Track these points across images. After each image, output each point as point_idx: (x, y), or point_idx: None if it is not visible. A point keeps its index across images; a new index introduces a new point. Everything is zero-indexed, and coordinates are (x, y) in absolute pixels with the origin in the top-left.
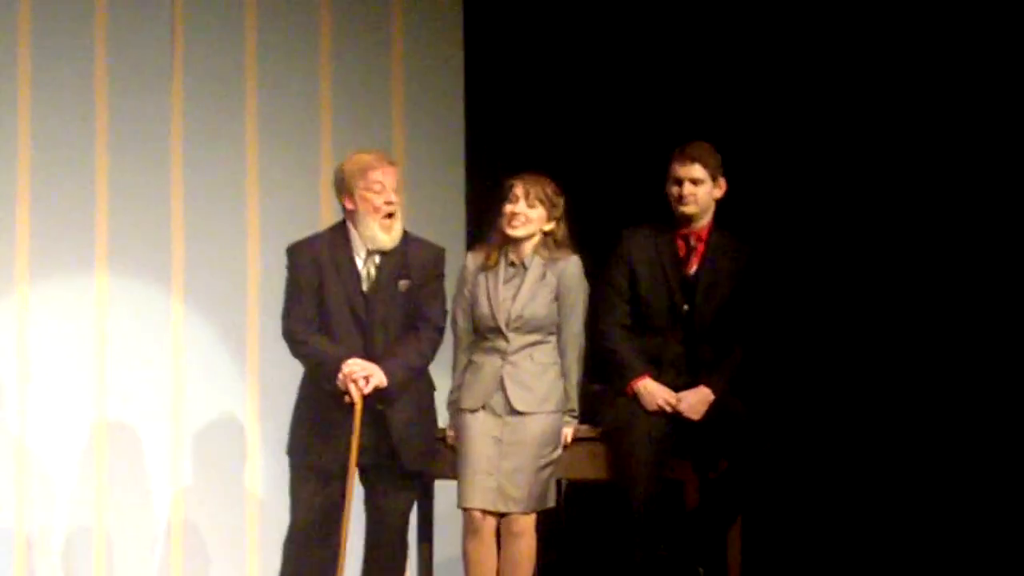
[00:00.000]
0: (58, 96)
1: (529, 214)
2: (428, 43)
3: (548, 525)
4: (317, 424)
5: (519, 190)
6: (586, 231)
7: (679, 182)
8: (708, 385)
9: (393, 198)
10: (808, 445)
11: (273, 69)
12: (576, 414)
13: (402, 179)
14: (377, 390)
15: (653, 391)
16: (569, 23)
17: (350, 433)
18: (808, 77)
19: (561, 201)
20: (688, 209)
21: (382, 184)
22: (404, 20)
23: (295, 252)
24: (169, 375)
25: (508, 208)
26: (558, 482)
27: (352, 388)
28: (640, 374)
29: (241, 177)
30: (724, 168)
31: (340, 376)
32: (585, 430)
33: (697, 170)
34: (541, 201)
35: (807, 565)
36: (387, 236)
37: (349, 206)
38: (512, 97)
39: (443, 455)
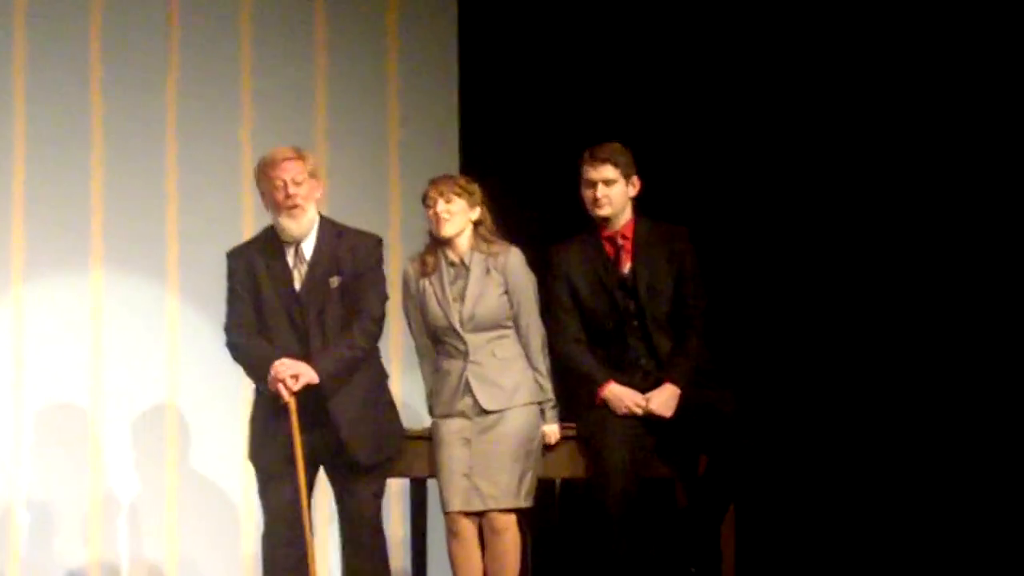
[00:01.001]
0: (53, 96)
1: (451, 209)
2: (423, 43)
3: (542, 525)
4: (262, 429)
5: (433, 193)
6: (579, 228)
7: (592, 185)
8: (671, 380)
9: (293, 190)
10: (802, 443)
11: (268, 68)
12: (554, 404)
13: (396, 182)
14: (310, 387)
15: (620, 395)
16: (564, 23)
17: (289, 433)
18: (804, 77)
19: (476, 187)
20: (603, 211)
21: (282, 180)
22: (399, 20)
23: (231, 258)
24: (164, 374)
25: (429, 213)
26: (552, 481)
27: (281, 388)
28: (604, 381)
29: (236, 176)
30: (651, 166)
31: (269, 378)
32: (579, 429)
33: (608, 171)
34: (457, 194)
35: (801, 564)
36: (294, 224)
37: (264, 204)
38: (506, 96)
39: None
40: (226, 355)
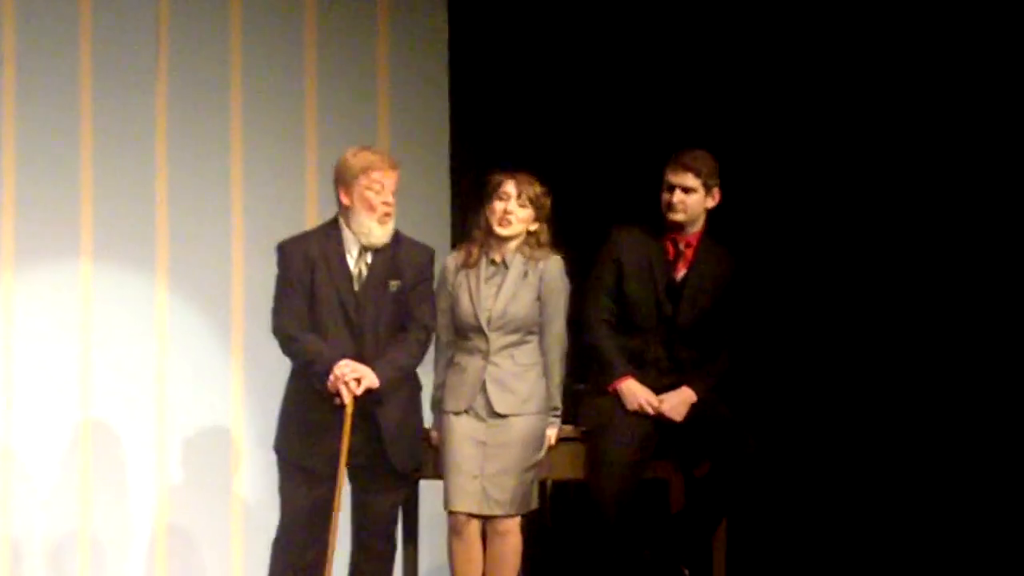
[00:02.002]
0: (43, 96)
1: (519, 213)
2: (413, 43)
3: (535, 526)
4: (305, 423)
5: (511, 188)
6: (570, 230)
7: (671, 189)
8: (691, 386)
9: (391, 200)
10: (794, 448)
11: (258, 67)
12: (559, 413)
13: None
14: (368, 391)
15: (635, 391)
16: (555, 21)
17: (339, 435)
18: (803, 78)
19: (548, 203)
20: (676, 217)
21: (382, 184)
22: (389, 20)
23: (286, 249)
24: (153, 373)
25: (499, 205)
26: (543, 483)
27: (343, 390)
28: (623, 374)
29: (226, 175)
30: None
31: (331, 378)
32: (569, 430)
33: (689, 179)
34: (531, 200)
35: (793, 567)
36: (382, 231)
37: (345, 200)
38: (498, 96)
39: (428, 456)
40: (214, 354)
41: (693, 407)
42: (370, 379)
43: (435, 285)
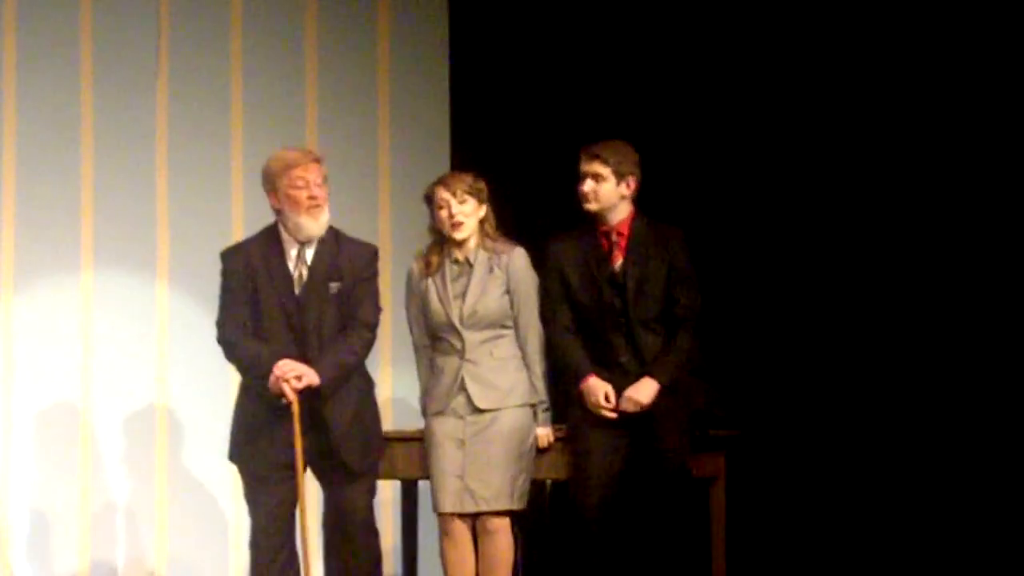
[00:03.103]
0: (43, 96)
1: (464, 211)
2: (413, 43)
3: (532, 525)
4: (253, 429)
5: (444, 194)
6: (570, 227)
7: (582, 178)
8: (652, 375)
9: (316, 192)
10: (794, 448)
11: (259, 69)
12: (547, 407)
13: (387, 182)
14: (310, 388)
15: (593, 388)
16: (555, 22)
17: (288, 435)
18: (800, 75)
19: (483, 185)
20: (589, 206)
21: (304, 180)
22: (390, 20)
23: (227, 257)
24: (153, 373)
25: (443, 214)
26: (543, 483)
27: (285, 387)
28: (585, 374)
29: (226, 176)
30: (645, 164)
31: (272, 377)
32: (567, 429)
33: (597, 166)
34: (468, 193)
35: (792, 568)
36: (314, 223)
37: (274, 204)
38: (498, 97)
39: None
40: (216, 353)
41: (658, 408)
42: (310, 376)
43: (404, 296)
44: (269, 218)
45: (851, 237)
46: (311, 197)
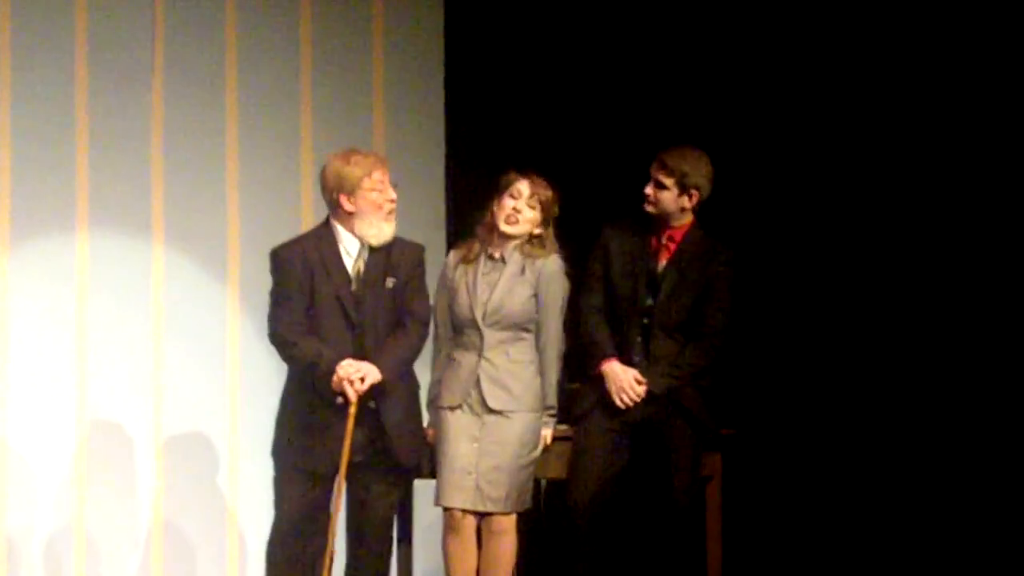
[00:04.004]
0: (38, 95)
1: (527, 213)
2: (409, 41)
3: (529, 524)
4: (306, 425)
5: (524, 187)
6: (567, 228)
7: (649, 181)
8: (649, 380)
9: (393, 195)
10: (789, 450)
11: (254, 66)
12: (554, 412)
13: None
14: (372, 386)
15: (618, 373)
16: (550, 20)
17: (341, 434)
18: (799, 78)
19: (555, 209)
20: (648, 208)
21: (383, 183)
22: (385, 19)
23: (282, 255)
24: (149, 371)
25: (509, 203)
26: (537, 481)
27: (348, 389)
28: (607, 356)
29: (221, 175)
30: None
31: (335, 379)
32: (563, 430)
33: (662, 175)
34: (541, 203)
35: (791, 568)
36: (390, 228)
37: (349, 207)
38: (493, 96)
39: (428, 452)
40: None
41: (656, 419)
42: (373, 375)
43: (431, 281)
44: (264, 213)
45: (847, 236)
46: (391, 200)
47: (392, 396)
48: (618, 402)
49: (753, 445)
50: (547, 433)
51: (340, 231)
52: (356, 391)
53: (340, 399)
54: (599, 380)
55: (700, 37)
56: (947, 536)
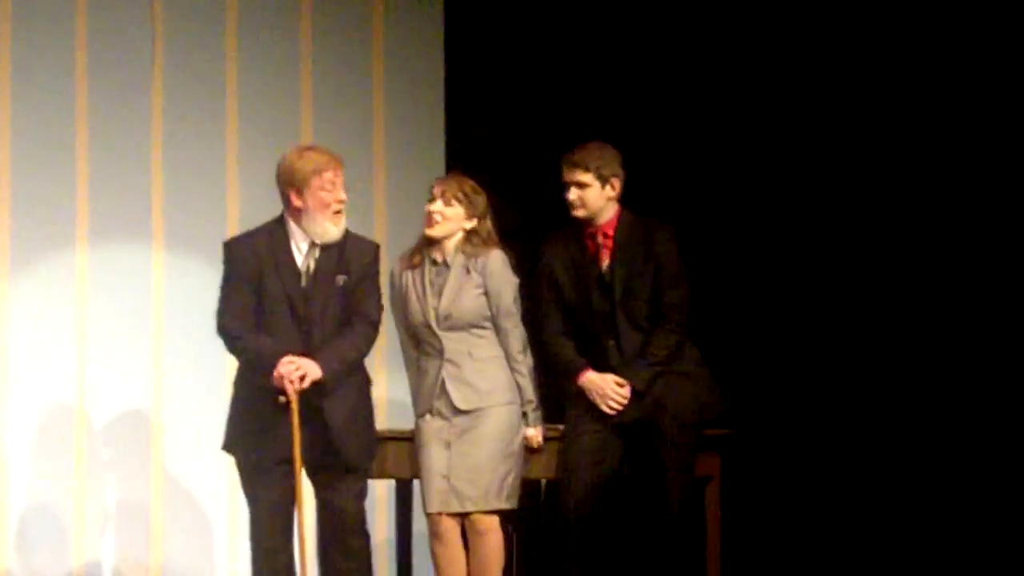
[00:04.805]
0: (38, 96)
1: (446, 212)
2: (409, 42)
3: (527, 526)
4: (253, 423)
5: (436, 190)
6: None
7: (567, 187)
8: (628, 380)
9: (343, 197)
10: (788, 450)
11: (254, 66)
12: (536, 407)
13: (383, 179)
14: (313, 384)
15: (596, 381)
16: (550, 20)
17: (287, 430)
18: (795, 72)
19: (481, 199)
20: (578, 213)
21: (334, 183)
22: (384, 19)
23: (232, 247)
24: (149, 375)
25: (426, 208)
26: (537, 482)
27: (288, 387)
28: (581, 369)
29: (221, 175)
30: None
31: (276, 374)
32: (558, 429)
33: (579, 174)
34: (458, 199)
35: (791, 568)
36: (336, 229)
37: (297, 202)
38: (493, 95)
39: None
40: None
41: (646, 420)
42: (313, 372)
43: (383, 283)
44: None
45: (846, 235)
46: (339, 201)
47: (337, 396)
48: (605, 409)
49: (751, 445)
50: (538, 432)
51: (291, 227)
52: (295, 390)
53: (282, 398)
54: (582, 394)
55: (701, 36)
56: (947, 536)
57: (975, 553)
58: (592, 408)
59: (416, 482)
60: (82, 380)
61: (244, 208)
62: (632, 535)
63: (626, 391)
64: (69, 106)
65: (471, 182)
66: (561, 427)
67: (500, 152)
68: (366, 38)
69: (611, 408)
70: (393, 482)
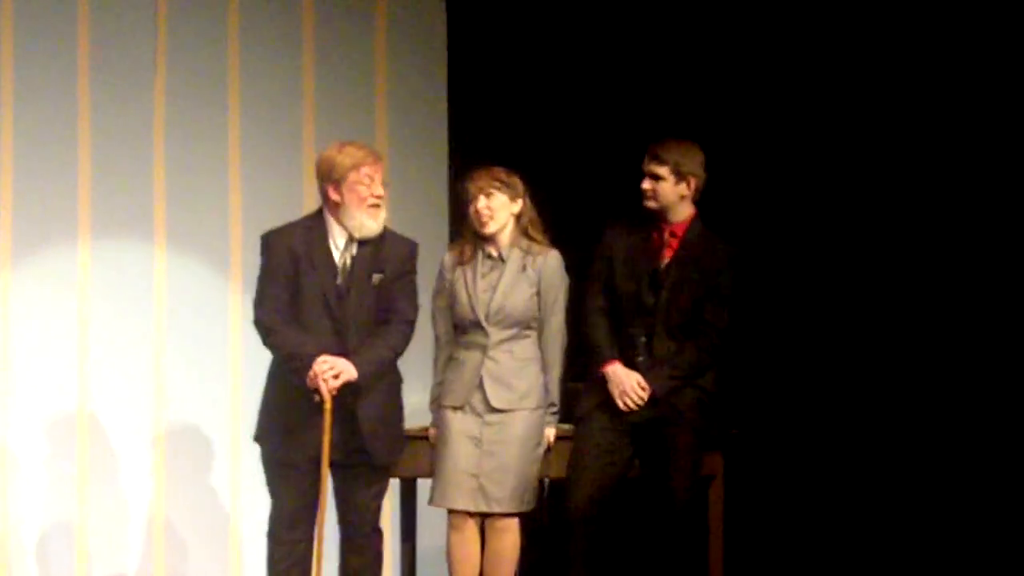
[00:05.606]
0: (40, 93)
1: (492, 204)
2: (411, 38)
3: (531, 523)
4: (287, 419)
5: (472, 188)
6: (569, 226)
7: (644, 177)
8: (649, 381)
9: (381, 192)
10: (791, 450)
11: (256, 65)
12: (556, 410)
13: (387, 174)
14: (347, 384)
15: (621, 376)
16: (553, 18)
17: (318, 430)
18: (800, 76)
19: (516, 180)
20: (648, 204)
21: (372, 178)
22: (387, 17)
23: (271, 240)
24: (151, 374)
25: (472, 208)
26: (540, 481)
27: (322, 386)
28: (609, 358)
29: (224, 172)
30: (708, 165)
31: (311, 373)
32: (566, 429)
33: (656, 166)
34: (496, 188)
35: (790, 568)
36: (374, 223)
37: (335, 197)
38: (496, 94)
39: (410, 450)
40: (211, 350)
41: (658, 421)
42: (348, 372)
43: (434, 282)
44: (267, 215)
45: (847, 236)
46: (376, 196)
47: (369, 395)
48: (621, 405)
49: (755, 445)
50: (550, 432)
51: (330, 222)
52: (330, 389)
53: (316, 396)
54: (601, 382)
55: (701, 36)
56: (947, 536)
57: (976, 553)
58: (604, 405)
59: (420, 481)
60: (83, 376)
61: (246, 205)
62: (635, 534)
63: (646, 394)
64: (71, 103)
65: (499, 168)
66: (567, 427)
67: (502, 152)
68: (368, 37)
69: (626, 406)
70: (398, 480)
